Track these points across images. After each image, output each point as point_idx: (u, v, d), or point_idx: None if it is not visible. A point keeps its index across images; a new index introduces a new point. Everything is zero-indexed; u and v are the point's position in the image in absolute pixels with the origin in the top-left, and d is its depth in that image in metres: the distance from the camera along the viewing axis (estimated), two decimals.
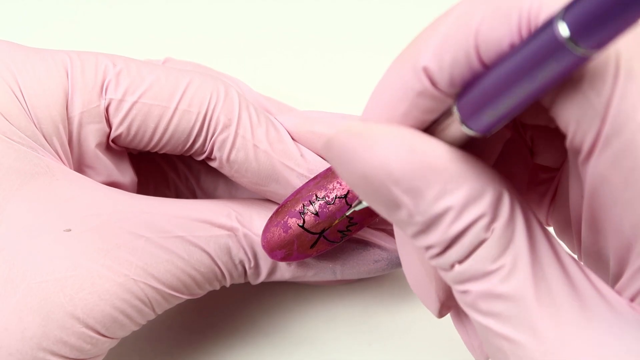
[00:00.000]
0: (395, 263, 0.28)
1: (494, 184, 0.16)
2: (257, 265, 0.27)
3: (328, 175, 0.25)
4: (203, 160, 0.32)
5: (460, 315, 0.22)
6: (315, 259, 0.27)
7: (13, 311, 0.23)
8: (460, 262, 0.17)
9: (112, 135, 0.26)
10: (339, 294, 0.33)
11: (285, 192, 0.27)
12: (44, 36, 0.40)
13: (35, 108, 0.25)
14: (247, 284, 0.32)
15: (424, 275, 0.21)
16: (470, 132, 0.16)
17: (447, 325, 0.32)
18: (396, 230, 0.21)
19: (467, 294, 0.17)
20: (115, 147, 0.27)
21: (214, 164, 0.27)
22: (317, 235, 0.25)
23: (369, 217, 0.26)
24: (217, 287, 0.27)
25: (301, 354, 0.31)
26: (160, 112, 0.26)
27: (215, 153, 0.26)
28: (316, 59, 0.41)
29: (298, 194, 0.26)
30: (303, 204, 0.25)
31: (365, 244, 0.28)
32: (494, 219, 0.16)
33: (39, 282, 0.23)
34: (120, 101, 0.25)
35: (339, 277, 0.28)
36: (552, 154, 0.22)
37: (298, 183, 0.26)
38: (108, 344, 0.25)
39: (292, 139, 0.27)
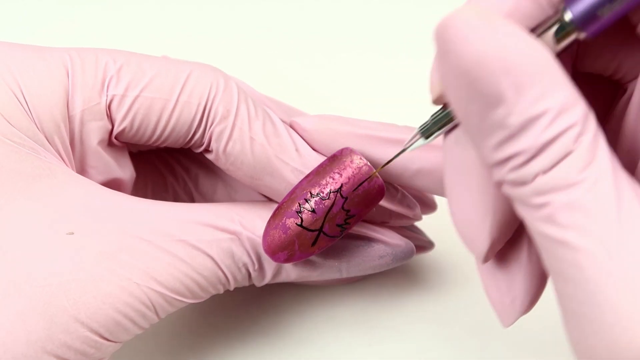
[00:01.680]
0: (400, 257, 0.29)
1: (582, 98, 0.17)
2: (261, 268, 0.27)
3: (320, 171, 0.26)
4: (201, 163, 0.32)
5: (495, 268, 0.22)
6: (321, 258, 0.28)
7: (17, 314, 0.23)
8: (545, 172, 0.17)
9: (116, 131, 0.26)
10: (339, 295, 0.33)
11: (279, 187, 0.27)
12: (44, 37, 0.40)
13: (37, 107, 0.25)
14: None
15: (481, 209, 0.21)
16: (581, 35, 0.18)
17: (448, 326, 0.32)
18: (448, 168, 0.21)
19: (546, 206, 0.17)
20: (117, 144, 0.27)
21: (210, 157, 0.27)
22: (316, 232, 0.25)
23: (366, 208, 0.26)
24: (221, 291, 0.27)
25: (301, 355, 0.32)
26: (162, 105, 0.26)
27: (213, 144, 0.26)
28: (317, 59, 0.41)
29: (293, 194, 0.26)
30: (299, 203, 0.25)
31: (369, 241, 0.28)
32: (583, 131, 0.16)
33: (42, 285, 0.23)
34: (123, 96, 0.25)
35: (344, 275, 0.28)
36: (596, 109, 0.22)
37: (291, 177, 0.26)
38: (112, 348, 0.25)
39: (307, 139, 0.27)
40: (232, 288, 0.27)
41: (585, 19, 0.18)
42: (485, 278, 0.23)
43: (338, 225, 0.26)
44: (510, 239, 0.22)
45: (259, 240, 0.26)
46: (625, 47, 0.20)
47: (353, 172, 0.25)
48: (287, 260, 0.26)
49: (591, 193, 0.16)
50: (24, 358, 0.23)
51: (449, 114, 0.21)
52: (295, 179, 0.26)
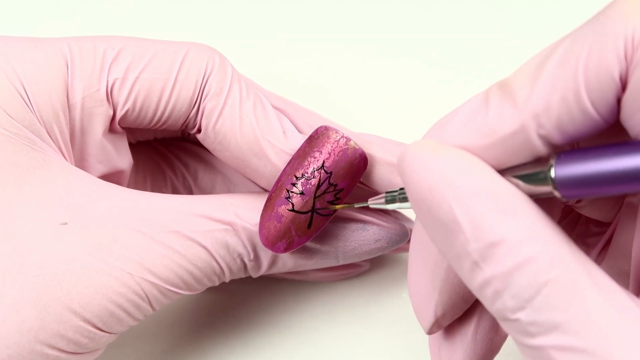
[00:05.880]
0: (395, 241, 0.29)
1: (554, 232, 0.17)
2: (257, 257, 0.27)
3: (300, 155, 0.26)
4: (200, 158, 0.32)
5: (441, 341, 0.23)
6: (317, 244, 0.27)
7: (11, 304, 0.23)
8: (523, 308, 0.16)
9: (119, 115, 0.26)
10: (339, 294, 0.33)
11: (264, 170, 0.27)
12: (43, 33, 0.40)
13: (36, 96, 0.25)
14: (246, 282, 0.32)
15: (429, 285, 0.21)
16: (557, 194, 0.17)
17: None
18: (413, 237, 0.22)
19: (541, 350, 0.16)
20: (118, 130, 0.27)
21: (199, 137, 0.27)
22: (309, 213, 0.26)
23: (352, 180, 0.26)
24: (216, 283, 0.27)
25: (301, 354, 0.31)
26: (162, 84, 0.26)
27: (203, 121, 0.27)
28: (317, 61, 0.41)
29: (279, 182, 0.26)
30: (286, 189, 0.26)
31: (364, 224, 0.28)
32: (553, 263, 0.16)
33: (36, 275, 0.23)
34: (123, 79, 0.26)
35: (341, 261, 0.28)
36: (604, 204, 0.22)
37: (277, 160, 0.26)
38: (106, 339, 0.25)
39: None
40: (227, 279, 0.27)
41: (567, 187, 0.17)
42: (431, 343, 0.23)
43: (329, 202, 0.26)
44: (462, 315, 0.22)
45: (254, 230, 0.26)
46: None
47: (332, 147, 0.26)
48: (287, 249, 0.26)
49: (582, 333, 0.16)
50: (17, 347, 0.23)
51: None
52: (280, 162, 0.26)
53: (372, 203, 0.24)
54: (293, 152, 0.26)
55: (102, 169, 0.27)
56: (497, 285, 0.17)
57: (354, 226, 0.28)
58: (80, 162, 0.27)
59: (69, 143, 0.26)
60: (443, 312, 0.21)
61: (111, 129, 0.27)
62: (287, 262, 0.27)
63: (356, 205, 0.25)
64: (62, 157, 0.26)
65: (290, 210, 0.25)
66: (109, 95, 0.26)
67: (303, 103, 0.32)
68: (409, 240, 0.29)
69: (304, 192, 0.25)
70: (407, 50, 0.41)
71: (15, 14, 0.43)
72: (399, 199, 0.22)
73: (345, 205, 0.26)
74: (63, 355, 0.24)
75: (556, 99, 0.17)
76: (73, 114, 0.26)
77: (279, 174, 0.26)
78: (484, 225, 0.16)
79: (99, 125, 0.26)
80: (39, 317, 0.23)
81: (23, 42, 0.26)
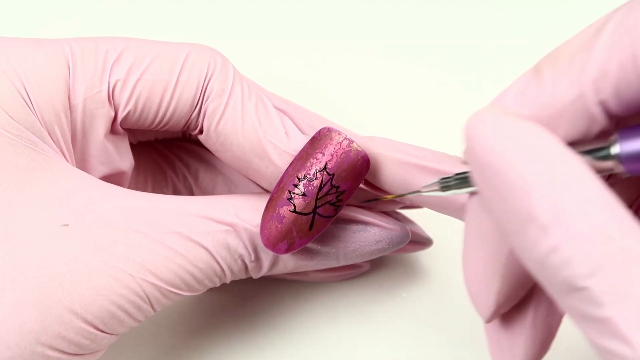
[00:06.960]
0: (396, 242, 0.28)
1: (620, 205, 0.16)
2: (258, 258, 0.27)
3: (303, 156, 0.26)
4: (201, 159, 0.32)
5: (499, 327, 0.22)
6: (318, 245, 0.27)
7: (11, 305, 0.23)
8: (594, 275, 0.16)
9: (120, 116, 0.26)
10: (339, 294, 0.33)
11: (266, 171, 0.27)
12: (43, 34, 0.40)
13: (37, 97, 0.25)
14: (247, 283, 0.32)
15: (490, 274, 0.21)
16: (621, 169, 0.17)
17: (447, 326, 0.32)
18: (468, 224, 0.22)
19: (607, 322, 0.16)
20: (120, 131, 0.27)
21: (201, 137, 0.27)
22: (311, 215, 0.26)
23: (354, 182, 0.26)
24: (217, 284, 0.27)
25: (301, 354, 0.31)
26: (164, 85, 0.26)
27: (205, 122, 0.27)
28: (317, 62, 0.41)
29: (281, 183, 0.26)
30: (288, 190, 0.26)
31: (365, 226, 0.28)
32: (624, 232, 0.16)
33: (37, 276, 0.23)
34: (125, 81, 0.26)
35: (342, 262, 0.28)
36: (631, 184, 0.22)
37: (279, 160, 0.26)
38: (107, 340, 0.25)
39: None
40: (228, 280, 0.27)
41: (632, 162, 0.17)
42: (489, 334, 0.23)
43: (331, 204, 0.26)
44: (518, 303, 0.22)
45: (255, 231, 0.26)
46: None
47: (335, 149, 0.25)
48: (288, 250, 0.26)
49: None
50: (18, 349, 0.23)
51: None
52: (282, 163, 0.26)
53: (426, 190, 0.23)
54: (295, 153, 0.26)
55: (104, 170, 0.27)
56: (568, 251, 0.16)
57: (354, 227, 0.28)
58: (82, 163, 0.27)
59: (71, 144, 0.26)
60: (505, 298, 0.21)
61: (112, 131, 0.27)
62: (288, 263, 0.27)
63: (407, 194, 0.25)
64: (64, 159, 0.26)
65: (292, 212, 0.25)
66: (111, 97, 0.26)
67: (303, 104, 0.32)
68: (410, 242, 0.29)
69: (306, 193, 0.25)
70: (407, 50, 0.41)
71: (15, 14, 0.43)
72: (454, 185, 0.22)
73: (397, 194, 0.26)
74: (64, 356, 0.24)
75: (614, 66, 0.17)
76: (74, 115, 0.26)
77: (281, 175, 0.26)
78: (555, 189, 0.16)
79: (100, 126, 0.26)
80: (40, 318, 0.23)
81: (24, 42, 0.26)
